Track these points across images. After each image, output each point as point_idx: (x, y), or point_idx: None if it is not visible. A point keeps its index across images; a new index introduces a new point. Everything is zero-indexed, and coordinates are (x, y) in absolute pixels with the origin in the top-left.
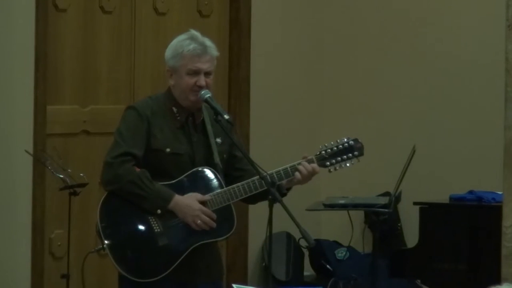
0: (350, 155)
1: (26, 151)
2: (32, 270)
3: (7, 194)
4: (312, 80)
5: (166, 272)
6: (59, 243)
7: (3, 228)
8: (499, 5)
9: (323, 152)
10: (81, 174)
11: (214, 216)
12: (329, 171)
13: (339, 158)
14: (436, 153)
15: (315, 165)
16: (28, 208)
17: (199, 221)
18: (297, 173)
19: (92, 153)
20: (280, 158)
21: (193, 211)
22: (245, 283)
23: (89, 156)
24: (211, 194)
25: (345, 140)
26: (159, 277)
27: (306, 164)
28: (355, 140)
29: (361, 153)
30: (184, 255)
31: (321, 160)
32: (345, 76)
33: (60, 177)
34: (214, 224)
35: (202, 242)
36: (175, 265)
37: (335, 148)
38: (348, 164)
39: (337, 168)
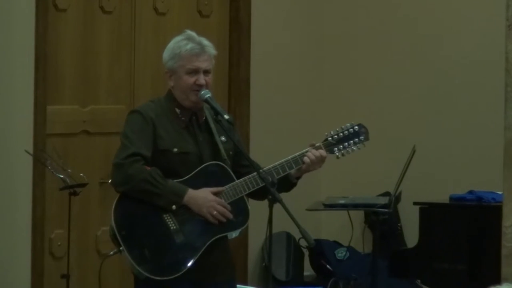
0: (357, 139)
1: (26, 151)
2: (32, 270)
3: (7, 194)
4: (312, 80)
5: (187, 267)
6: (59, 243)
7: (3, 228)
8: (499, 5)
9: (330, 138)
10: (81, 174)
11: (229, 207)
12: (337, 157)
13: (346, 144)
14: (436, 153)
15: (322, 151)
16: (28, 208)
17: (215, 212)
18: (305, 158)
19: (92, 153)
20: (280, 158)
21: (208, 202)
22: (245, 283)
23: (89, 156)
24: (225, 187)
25: (350, 125)
26: (180, 273)
27: (313, 150)
28: (360, 125)
29: (366, 138)
30: (204, 249)
31: (328, 147)
32: (345, 76)
33: (60, 177)
34: (230, 215)
35: (219, 236)
36: (195, 259)
37: (341, 134)
38: (354, 149)
39: (344, 153)
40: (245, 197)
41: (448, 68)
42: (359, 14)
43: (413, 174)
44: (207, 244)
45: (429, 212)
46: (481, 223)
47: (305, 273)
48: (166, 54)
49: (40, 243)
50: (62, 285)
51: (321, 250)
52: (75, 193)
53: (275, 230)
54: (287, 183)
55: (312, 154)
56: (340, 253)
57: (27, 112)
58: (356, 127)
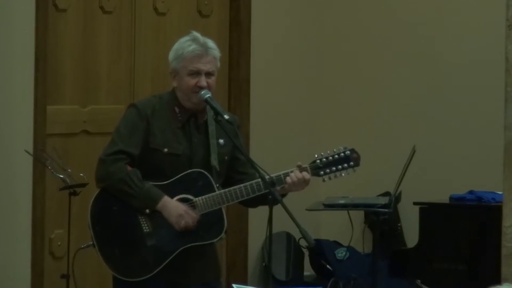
0: (346, 165)
1: (26, 151)
2: (32, 270)
3: (7, 194)
4: (312, 79)
5: (153, 273)
6: (59, 243)
7: (3, 228)
8: (499, 5)
9: (318, 161)
10: (81, 174)
11: (196, 219)
12: (323, 180)
13: (334, 168)
14: (436, 153)
15: (305, 173)
16: (28, 208)
17: (182, 222)
18: (288, 179)
19: (92, 153)
20: (280, 158)
21: (178, 211)
22: (245, 283)
23: (89, 156)
24: (202, 197)
25: (342, 149)
26: (145, 277)
27: (297, 172)
28: (352, 150)
29: (357, 164)
30: (172, 256)
31: (315, 169)
32: (345, 76)
33: (60, 177)
34: (193, 226)
35: (190, 245)
36: (162, 266)
37: (331, 158)
38: (343, 174)
39: (331, 177)
40: (222, 209)
41: (448, 68)
42: (359, 14)
43: (413, 174)
44: (177, 251)
45: (429, 212)
46: (481, 223)
47: (305, 273)
48: (171, 55)
49: (40, 243)
50: (62, 285)
51: (321, 250)
52: (75, 193)
53: (275, 230)
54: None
55: (295, 175)
56: (340, 253)
57: (27, 112)
58: (348, 152)
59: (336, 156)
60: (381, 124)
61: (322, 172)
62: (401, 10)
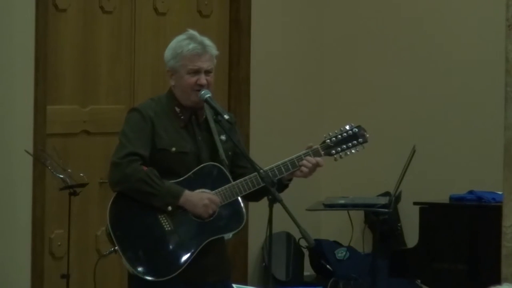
0: (355, 142)
1: (26, 151)
2: (32, 270)
3: (7, 194)
4: (312, 80)
5: (181, 269)
6: (59, 243)
7: (3, 228)
8: (499, 5)
9: (328, 141)
10: (81, 174)
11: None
12: (335, 159)
13: (344, 146)
14: (436, 153)
15: (319, 159)
16: (28, 208)
17: (210, 210)
18: (303, 168)
19: (92, 153)
20: (280, 158)
21: (202, 201)
22: (245, 283)
23: (89, 156)
24: (218, 190)
25: (348, 127)
26: (174, 275)
27: (310, 158)
28: (359, 127)
29: (365, 140)
30: (197, 250)
31: (326, 149)
32: (345, 76)
33: (60, 177)
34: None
35: (214, 237)
36: (189, 261)
37: (340, 136)
38: (353, 151)
39: (343, 156)
40: (240, 200)
41: (448, 68)
42: (359, 14)
43: (413, 174)
44: (201, 246)
45: (429, 212)
46: (481, 223)
47: (305, 273)
48: (168, 53)
49: (40, 243)
50: (62, 285)
51: (321, 250)
52: (75, 193)
53: (275, 230)
54: (279, 185)
55: (309, 161)
56: (340, 253)
57: (27, 112)
58: (355, 129)
59: (345, 134)
60: (381, 124)
61: (333, 151)
62: (400, 10)
